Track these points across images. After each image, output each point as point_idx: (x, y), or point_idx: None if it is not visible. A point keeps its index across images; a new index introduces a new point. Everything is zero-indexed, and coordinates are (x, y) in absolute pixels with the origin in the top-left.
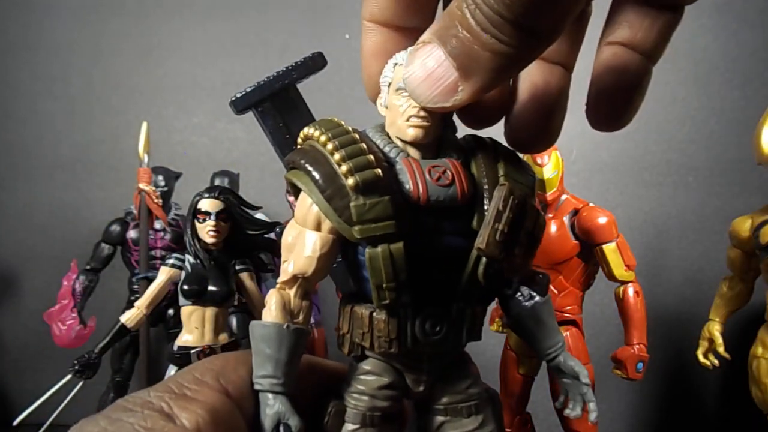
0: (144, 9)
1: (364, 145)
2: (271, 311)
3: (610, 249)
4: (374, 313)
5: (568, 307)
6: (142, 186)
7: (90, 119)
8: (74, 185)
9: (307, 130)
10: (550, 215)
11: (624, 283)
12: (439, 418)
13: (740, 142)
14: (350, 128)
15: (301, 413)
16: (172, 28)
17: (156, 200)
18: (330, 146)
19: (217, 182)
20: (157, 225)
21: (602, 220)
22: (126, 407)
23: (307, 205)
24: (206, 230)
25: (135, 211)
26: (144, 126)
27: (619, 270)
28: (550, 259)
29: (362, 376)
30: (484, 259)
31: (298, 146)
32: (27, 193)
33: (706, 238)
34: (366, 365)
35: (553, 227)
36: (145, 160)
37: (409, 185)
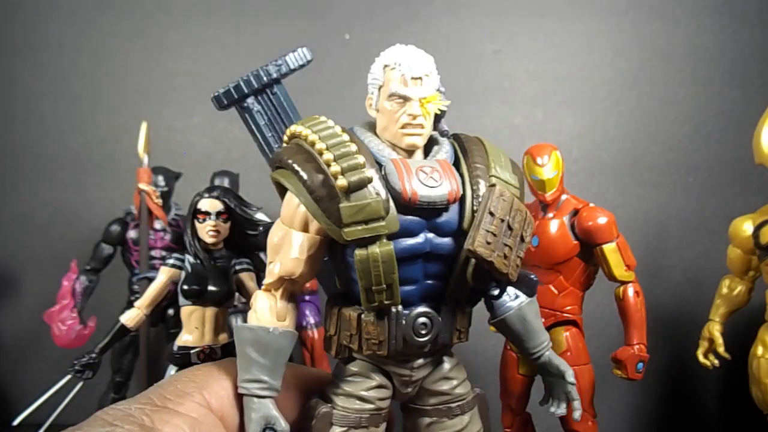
0: (144, 10)
1: (355, 147)
2: (257, 314)
3: (610, 249)
4: (363, 315)
5: (568, 307)
6: (142, 186)
7: (90, 119)
8: (74, 185)
9: (295, 128)
10: (551, 215)
11: (624, 283)
12: (426, 419)
13: (740, 142)
14: (339, 128)
15: (286, 416)
16: (173, 28)
17: (156, 200)
18: (319, 146)
19: (217, 182)
20: (157, 225)
21: (602, 220)
22: (105, 420)
23: (295, 205)
24: (206, 230)
25: (135, 211)
26: (144, 126)
27: (619, 270)
28: (550, 259)
29: (350, 378)
30: (473, 260)
31: (284, 144)
32: (27, 193)
33: (706, 238)
34: (353, 367)
35: (553, 227)
36: (145, 160)
37: (399, 186)
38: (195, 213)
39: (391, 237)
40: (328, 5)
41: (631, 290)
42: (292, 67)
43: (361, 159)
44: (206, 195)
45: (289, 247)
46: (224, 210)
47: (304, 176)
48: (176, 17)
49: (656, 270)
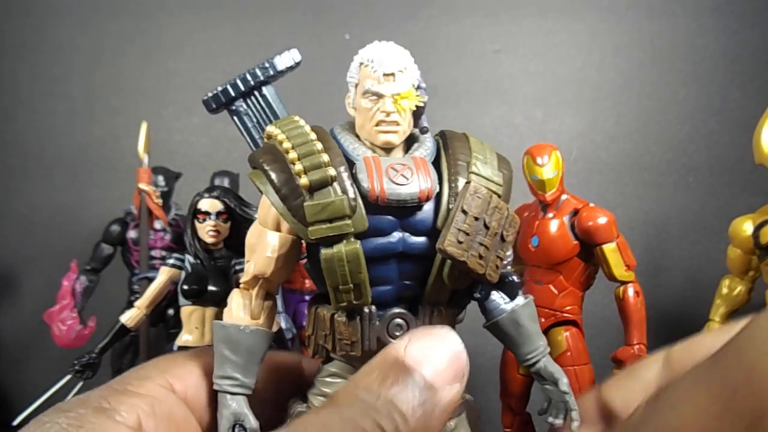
0: (144, 9)
1: (320, 145)
2: (231, 312)
3: (610, 249)
4: (335, 315)
5: (568, 307)
6: (142, 186)
7: (90, 119)
8: (74, 185)
9: (269, 129)
10: (550, 215)
11: (624, 283)
12: None
13: (740, 142)
14: (308, 127)
15: (262, 413)
16: (173, 28)
17: (156, 200)
18: (285, 145)
19: (217, 182)
20: (157, 225)
21: (602, 220)
22: (62, 408)
23: (267, 205)
24: (206, 230)
25: (135, 211)
26: (144, 126)
27: (619, 270)
28: (550, 259)
29: (327, 378)
30: (449, 261)
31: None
32: (27, 193)
33: (706, 238)
34: (331, 367)
35: (553, 227)
36: (145, 160)
37: (366, 184)
38: (195, 213)
39: (361, 236)
40: (328, 5)
41: (631, 290)
42: (279, 69)
43: (325, 157)
44: (206, 195)
45: (263, 246)
46: (224, 210)
47: (272, 175)
48: (176, 17)
49: (656, 270)
